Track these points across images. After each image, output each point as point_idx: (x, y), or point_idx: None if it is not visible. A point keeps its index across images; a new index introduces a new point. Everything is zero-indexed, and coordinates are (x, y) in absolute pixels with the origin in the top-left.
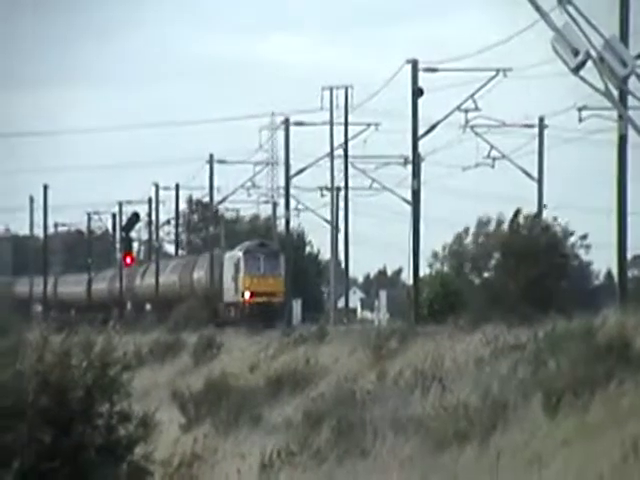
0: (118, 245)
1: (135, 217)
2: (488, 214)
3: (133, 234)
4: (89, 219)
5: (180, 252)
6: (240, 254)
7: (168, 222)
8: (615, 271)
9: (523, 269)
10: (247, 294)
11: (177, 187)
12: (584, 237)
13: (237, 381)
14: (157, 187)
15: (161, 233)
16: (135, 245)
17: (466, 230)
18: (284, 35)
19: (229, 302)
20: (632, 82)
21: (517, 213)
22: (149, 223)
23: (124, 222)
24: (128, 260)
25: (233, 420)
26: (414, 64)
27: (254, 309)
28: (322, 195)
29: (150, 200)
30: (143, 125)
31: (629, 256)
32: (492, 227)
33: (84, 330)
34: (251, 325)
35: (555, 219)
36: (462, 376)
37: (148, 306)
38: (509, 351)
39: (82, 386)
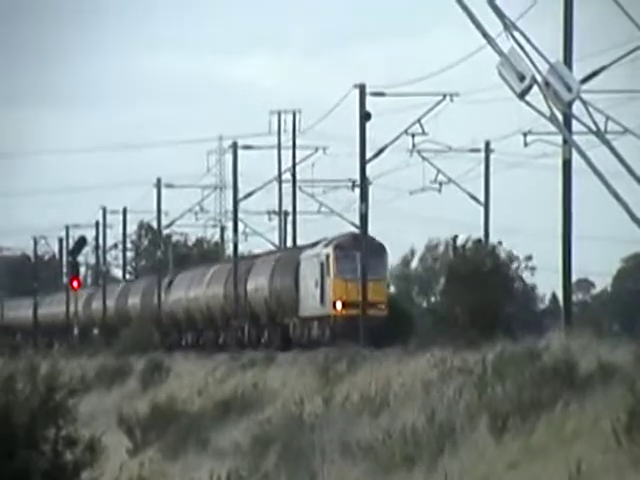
0: (65, 269)
1: (82, 241)
2: (437, 237)
3: (80, 258)
4: (35, 243)
5: (127, 276)
6: (329, 251)
7: (115, 246)
8: (560, 294)
9: (468, 293)
10: (339, 305)
11: (124, 211)
12: (529, 258)
13: (185, 405)
14: (104, 211)
15: (109, 257)
16: (82, 269)
17: (412, 252)
18: (246, 58)
19: (309, 316)
20: (576, 107)
21: (455, 239)
22: (96, 247)
23: (71, 246)
24: (75, 284)
25: (181, 444)
26: (362, 88)
27: (348, 325)
28: (270, 219)
29: (98, 224)
30: (90, 148)
31: (574, 279)
32: (441, 250)
33: (29, 354)
34: (341, 346)
35: (500, 243)
36: (410, 399)
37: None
38: (456, 374)
39: (27, 410)
